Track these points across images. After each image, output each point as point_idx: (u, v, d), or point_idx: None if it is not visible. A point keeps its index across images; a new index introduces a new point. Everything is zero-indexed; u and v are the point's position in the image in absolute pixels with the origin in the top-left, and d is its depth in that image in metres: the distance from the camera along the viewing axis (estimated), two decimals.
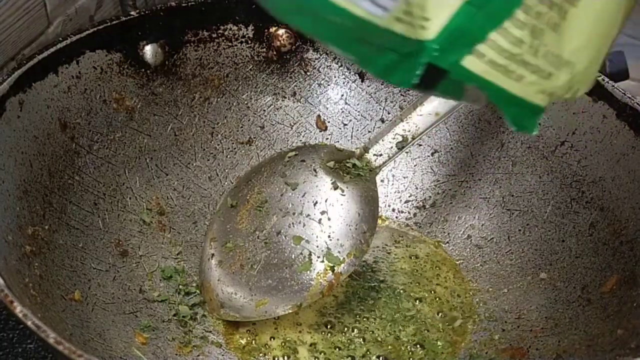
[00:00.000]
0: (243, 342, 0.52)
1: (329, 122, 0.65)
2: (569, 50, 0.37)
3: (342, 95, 0.64)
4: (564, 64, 0.37)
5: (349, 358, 0.51)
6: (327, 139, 0.65)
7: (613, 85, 0.54)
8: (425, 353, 0.52)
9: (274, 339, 0.52)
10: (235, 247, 0.53)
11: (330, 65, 0.64)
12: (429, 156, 0.63)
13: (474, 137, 0.62)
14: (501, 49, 0.35)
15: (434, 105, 0.53)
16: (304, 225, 0.52)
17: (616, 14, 0.37)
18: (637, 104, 0.53)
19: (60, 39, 0.52)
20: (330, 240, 0.51)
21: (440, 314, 0.55)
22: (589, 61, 0.38)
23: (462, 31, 0.35)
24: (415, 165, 0.64)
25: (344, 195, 0.53)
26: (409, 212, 0.63)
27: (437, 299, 0.56)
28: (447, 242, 0.61)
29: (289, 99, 0.64)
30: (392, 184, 0.64)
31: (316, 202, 0.52)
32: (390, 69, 0.36)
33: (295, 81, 0.64)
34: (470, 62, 0.36)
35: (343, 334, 0.53)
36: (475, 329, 0.54)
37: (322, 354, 0.51)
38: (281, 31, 0.62)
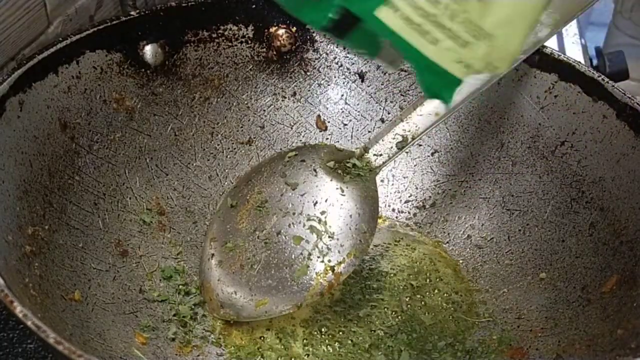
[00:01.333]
0: (242, 341, 0.52)
1: (329, 122, 0.65)
2: (490, 22, 0.36)
3: (342, 95, 0.64)
4: (484, 35, 0.36)
5: (342, 355, 0.51)
6: (327, 139, 0.65)
7: (613, 85, 0.54)
8: (424, 353, 0.52)
9: (269, 330, 0.52)
10: (235, 247, 0.53)
11: (330, 65, 0.64)
12: (429, 156, 0.63)
13: (474, 137, 0.62)
14: (415, 5, 0.34)
15: (434, 105, 0.53)
16: (304, 225, 0.52)
17: None
18: (637, 104, 0.53)
19: (60, 39, 0.52)
20: (330, 240, 0.51)
21: (439, 314, 0.55)
22: (510, 37, 0.37)
23: None
24: (415, 165, 0.64)
25: (344, 195, 0.53)
26: (409, 212, 0.63)
27: (437, 298, 0.56)
28: (447, 242, 0.61)
29: (289, 99, 0.64)
30: (392, 184, 0.64)
31: (316, 202, 0.52)
32: (301, 4, 0.35)
33: (295, 81, 0.64)
34: (384, 14, 0.35)
35: (335, 332, 0.53)
36: (475, 329, 0.54)
37: (316, 357, 0.51)
38: (281, 31, 0.62)
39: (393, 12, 0.35)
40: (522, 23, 0.37)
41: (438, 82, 0.38)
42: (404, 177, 0.64)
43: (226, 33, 0.61)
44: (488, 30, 0.36)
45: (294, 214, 0.52)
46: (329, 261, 0.51)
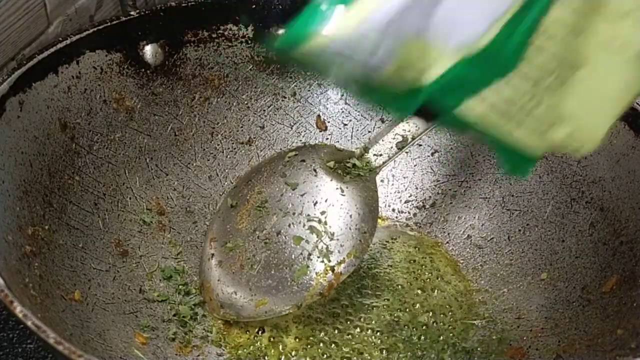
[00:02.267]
0: (241, 340, 0.52)
1: (329, 122, 0.65)
2: (570, 109, 0.38)
3: (342, 95, 0.64)
4: (565, 119, 0.38)
5: (340, 356, 0.51)
6: (327, 139, 0.65)
7: None
8: (423, 352, 0.52)
9: (263, 327, 0.52)
10: (235, 247, 0.53)
11: None
12: (429, 156, 0.63)
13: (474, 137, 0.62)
14: (503, 96, 0.37)
15: None
16: (304, 225, 0.52)
17: (624, 84, 0.38)
18: (637, 103, 0.53)
19: (60, 39, 0.52)
20: (330, 240, 0.51)
21: (439, 314, 0.55)
22: (591, 119, 0.39)
23: (459, 81, 0.37)
24: (415, 165, 0.64)
25: (344, 195, 0.53)
26: (409, 212, 0.63)
27: (436, 299, 0.56)
28: (447, 242, 0.61)
29: (289, 99, 0.64)
30: (392, 184, 0.64)
31: (316, 202, 0.52)
32: (389, 100, 0.40)
33: (295, 81, 0.64)
34: (473, 103, 0.38)
35: (331, 330, 0.53)
36: (475, 329, 0.54)
37: (313, 355, 0.51)
38: (281, 31, 0.62)
39: (480, 101, 0.38)
40: (606, 107, 0.39)
41: (517, 161, 0.41)
42: (404, 177, 0.64)
43: (226, 33, 0.61)
44: (568, 113, 0.38)
45: (294, 214, 0.52)
46: (329, 261, 0.51)
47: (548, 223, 0.57)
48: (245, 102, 0.63)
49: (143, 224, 0.57)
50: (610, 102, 0.39)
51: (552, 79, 0.37)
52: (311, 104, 0.64)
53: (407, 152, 0.62)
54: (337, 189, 0.53)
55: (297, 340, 0.52)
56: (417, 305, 0.55)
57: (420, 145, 0.63)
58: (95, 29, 0.54)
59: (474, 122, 0.38)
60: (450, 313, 0.55)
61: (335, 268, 0.51)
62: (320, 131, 0.65)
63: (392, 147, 0.54)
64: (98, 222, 0.54)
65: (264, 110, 0.64)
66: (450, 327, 0.54)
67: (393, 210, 0.63)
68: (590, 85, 0.38)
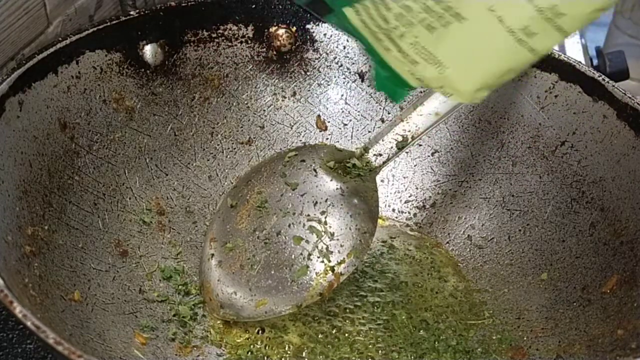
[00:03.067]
0: (241, 340, 0.52)
1: (329, 122, 0.65)
2: (443, 54, 0.40)
3: (342, 95, 0.64)
4: (435, 61, 0.40)
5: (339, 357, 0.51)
6: (327, 139, 0.65)
7: (613, 85, 0.54)
8: (423, 352, 0.52)
9: (262, 326, 0.52)
10: (235, 247, 0.53)
11: (330, 65, 0.64)
12: (429, 156, 0.63)
13: (474, 137, 0.62)
14: (371, 15, 0.41)
15: (434, 105, 0.53)
16: (304, 225, 0.52)
17: (501, 52, 0.40)
18: (637, 104, 0.53)
19: (60, 39, 0.52)
20: (330, 240, 0.51)
21: (439, 314, 0.55)
22: (461, 71, 0.40)
23: None
24: (415, 165, 0.64)
25: (344, 195, 0.53)
26: (409, 212, 0.63)
27: (436, 298, 0.56)
28: (447, 242, 0.61)
29: (289, 99, 0.64)
30: (392, 184, 0.64)
31: (316, 202, 0.52)
32: None
33: (295, 81, 0.64)
34: (349, 13, 0.41)
35: (330, 329, 0.53)
36: (475, 329, 0.54)
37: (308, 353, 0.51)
38: (281, 31, 0.62)
39: (355, 14, 0.41)
40: (479, 67, 0.41)
41: (392, 81, 0.43)
42: (404, 177, 0.64)
43: (226, 33, 0.61)
44: (440, 58, 0.40)
45: (294, 214, 0.52)
46: (329, 261, 0.51)
47: (548, 223, 0.57)
48: (245, 102, 0.63)
49: (143, 224, 0.57)
50: (483, 63, 0.40)
51: (420, 20, 0.39)
52: (311, 104, 0.64)
53: (407, 152, 0.62)
54: (337, 189, 0.53)
55: (297, 339, 0.52)
56: (417, 305, 0.55)
57: (420, 145, 0.63)
58: (95, 28, 0.54)
59: (356, 29, 0.42)
60: (450, 313, 0.55)
61: (335, 268, 0.51)
62: (320, 131, 0.65)
63: (392, 147, 0.54)
64: (98, 222, 0.54)
65: (264, 110, 0.64)
66: (450, 327, 0.54)
67: (393, 210, 0.63)
68: (468, 39, 0.39)
